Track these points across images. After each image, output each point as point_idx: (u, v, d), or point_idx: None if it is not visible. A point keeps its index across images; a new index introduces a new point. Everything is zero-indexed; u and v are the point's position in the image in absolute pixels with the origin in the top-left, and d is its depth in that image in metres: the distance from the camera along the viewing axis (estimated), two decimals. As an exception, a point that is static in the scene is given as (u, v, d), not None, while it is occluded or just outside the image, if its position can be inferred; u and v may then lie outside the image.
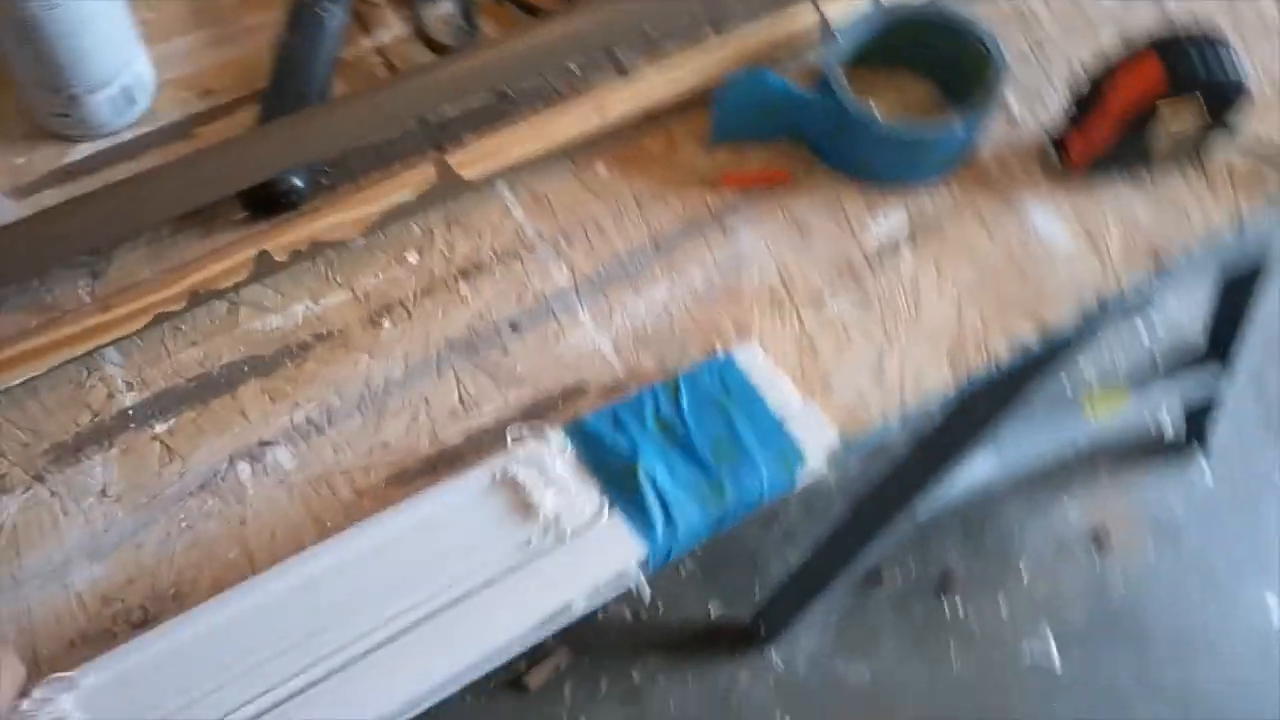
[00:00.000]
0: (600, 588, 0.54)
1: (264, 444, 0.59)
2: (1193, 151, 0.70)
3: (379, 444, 0.60)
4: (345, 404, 0.61)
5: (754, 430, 0.59)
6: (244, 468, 0.58)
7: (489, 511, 0.56)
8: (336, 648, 0.51)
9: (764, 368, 0.62)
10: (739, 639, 1.47)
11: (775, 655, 1.47)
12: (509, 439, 0.58)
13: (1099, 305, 0.66)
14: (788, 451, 0.58)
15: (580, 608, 0.55)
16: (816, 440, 0.59)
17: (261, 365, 0.62)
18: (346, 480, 0.59)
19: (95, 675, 0.50)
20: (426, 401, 0.61)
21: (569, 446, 0.58)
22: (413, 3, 0.76)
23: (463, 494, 0.56)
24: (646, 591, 0.56)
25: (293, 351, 0.63)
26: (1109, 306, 0.67)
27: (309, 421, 0.60)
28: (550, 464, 0.57)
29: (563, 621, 0.55)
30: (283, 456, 0.59)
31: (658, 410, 0.59)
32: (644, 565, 0.55)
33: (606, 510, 0.56)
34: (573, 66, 0.74)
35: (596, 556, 0.55)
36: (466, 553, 0.55)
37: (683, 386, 0.60)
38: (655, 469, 0.57)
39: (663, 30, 0.74)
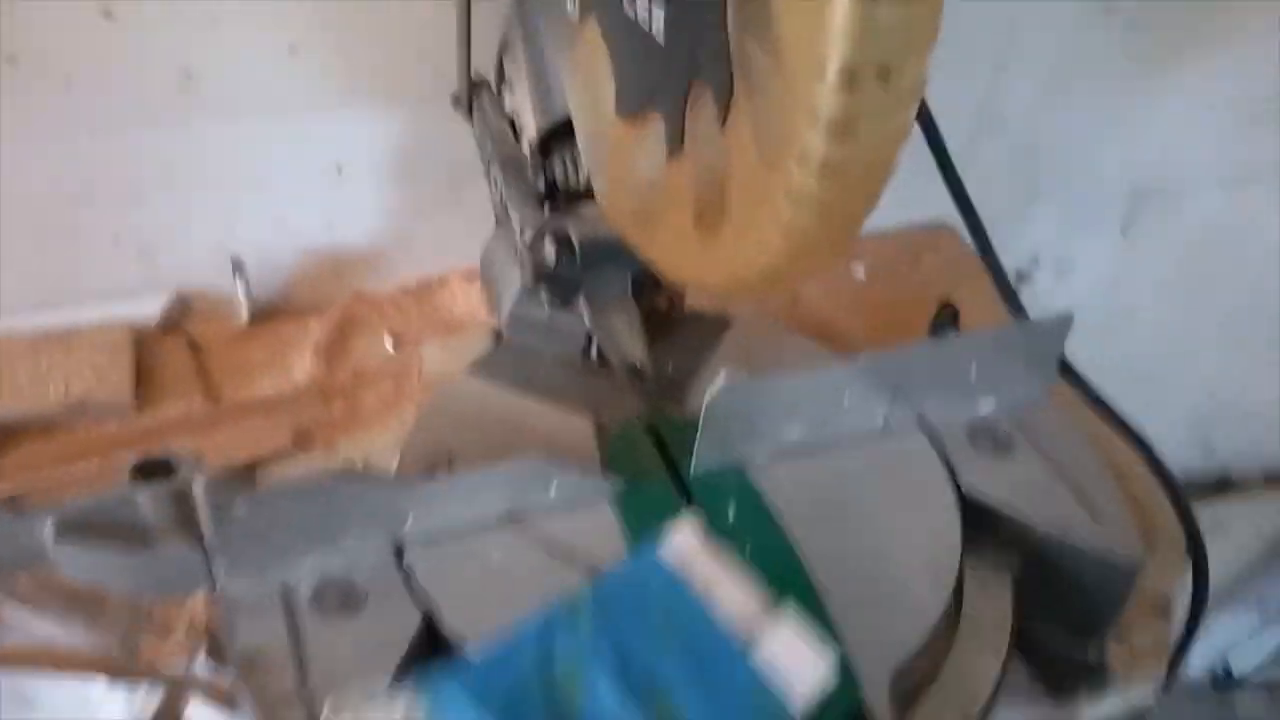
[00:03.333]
0: None
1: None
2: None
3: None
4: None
5: (711, 675, 0.40)
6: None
7: None
8: None
9: (706, 558, 0.45)
10: None
11: None
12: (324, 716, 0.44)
13: None
14: (766, 704, 0.40)
15: None
16: (803, 674, 0.42)
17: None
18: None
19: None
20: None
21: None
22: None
23: None
24: None
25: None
26: None
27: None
28: None
29: None
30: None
31: (558, 649, 0.40)
32: None
33: None
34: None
35: None
36: None
37: (596, 608, 0.42)
38: None
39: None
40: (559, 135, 0.75)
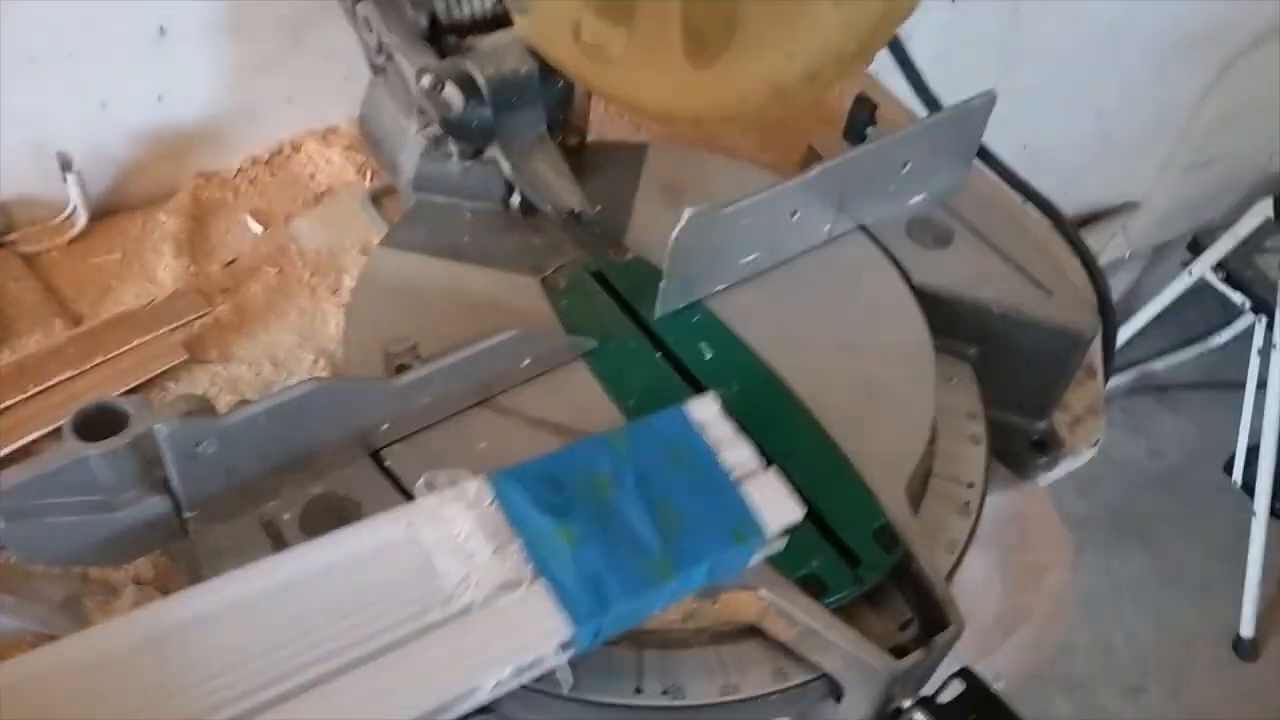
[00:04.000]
0: (512, 670, 0.46)
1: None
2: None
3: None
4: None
5: (706, 497, 0.51)
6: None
7: (392, 570, 0.47)
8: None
9: (721, 424, 0.54)
10: None
11: None
12: (419, 486, 0.50)
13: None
14: (742, 524, 0.50)
15: (486, 693, 0.45)
16: (778, 512, 0.51)
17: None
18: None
19: None
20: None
21: (491, 499, 0.48)
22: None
23: (366, 544, 0.47)
24: (569, 678, 0.49)
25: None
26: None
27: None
28: (463, 520, 0.47)
29: (467, 708, 0.45)
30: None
31: (598, 465, 0.50)
32: (567, 647, 0.47)
33: (528, 580, 0.47)
34: None
35: (511, 634, 0.46)
36: (359, 616, 0.45)
37: (627, 439, 0.52)
38: (588, 535, 0.48)
39: None
40: (437, -38, 0.66)
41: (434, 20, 0.68)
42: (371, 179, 0.85)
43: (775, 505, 0.52)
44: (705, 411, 0.54)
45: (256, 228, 0.81)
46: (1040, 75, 1.40)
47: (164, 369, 0.70)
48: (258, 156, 0.86)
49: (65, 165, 0.75)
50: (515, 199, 0.69)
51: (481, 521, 0.48)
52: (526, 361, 0.59)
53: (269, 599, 0.45)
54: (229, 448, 0.49)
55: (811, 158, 0.84)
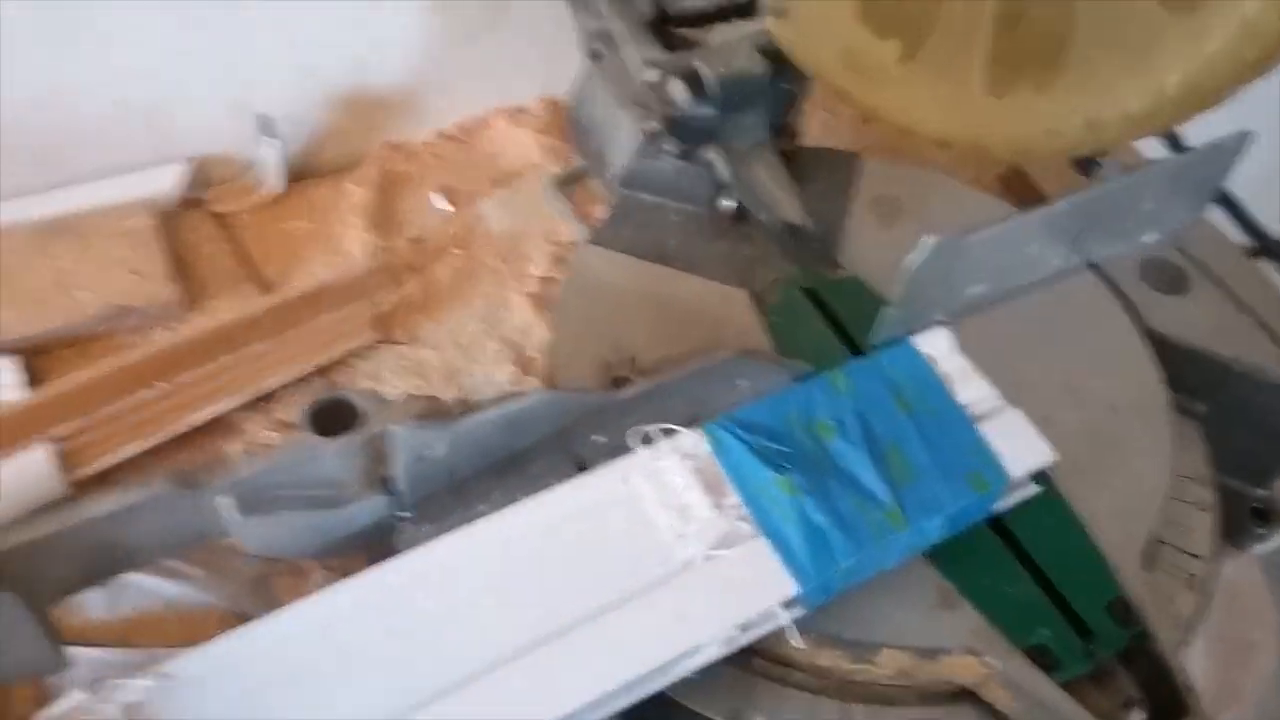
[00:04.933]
0: (736, 629, 0.43)
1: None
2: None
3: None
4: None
5: (940, 440, 0.47)
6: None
7: (609, 526, 0.45)
8: (430, 677, 0.42)
9: (954, 358, 0.50)
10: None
11: None
12: (632, 436, 0.48)
13: None
14: (984, 468, 0.47)
15: (712, 652, 0.44)
16: (1022, 453, 0.48)
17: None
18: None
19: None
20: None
21: (708, 451, 0.46)
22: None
23: (583, 500, 0.46)
24: (796, 638, 0.45)
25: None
26: None
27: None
28: (679, 472, 0.46)
29: (688, 669, 0.44)
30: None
31: (817, 409, 0.47)
32: (793, 605, 0.44)
33: (749, 535, 0.45)
34: None
35: (733, 590, 0.43)
36: (577, 573, 0.44)
37: (850, 380, 0.48)
38: (812, 486, 0.45)
39: None
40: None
41: (661, 10, 0.65)
42: (559, 163, 0.82)
43: (1020, 446, 0.48)
44: (936, 345, 0.50)
45: (444, 206, 0.80)
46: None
47: (351, 345, 0.69)
48: (446, 131, 0.85)
49: (265, 128, 0.74)
50: (724, 203, 0.66)
51: (699, 473, 0.46)
52: (743, 383, 0.56)
53: (484, 558, 0.44)
54: (456, 452, 0.47)
55: (1015, 179, 0.80)
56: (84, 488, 0.60)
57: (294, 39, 0.74)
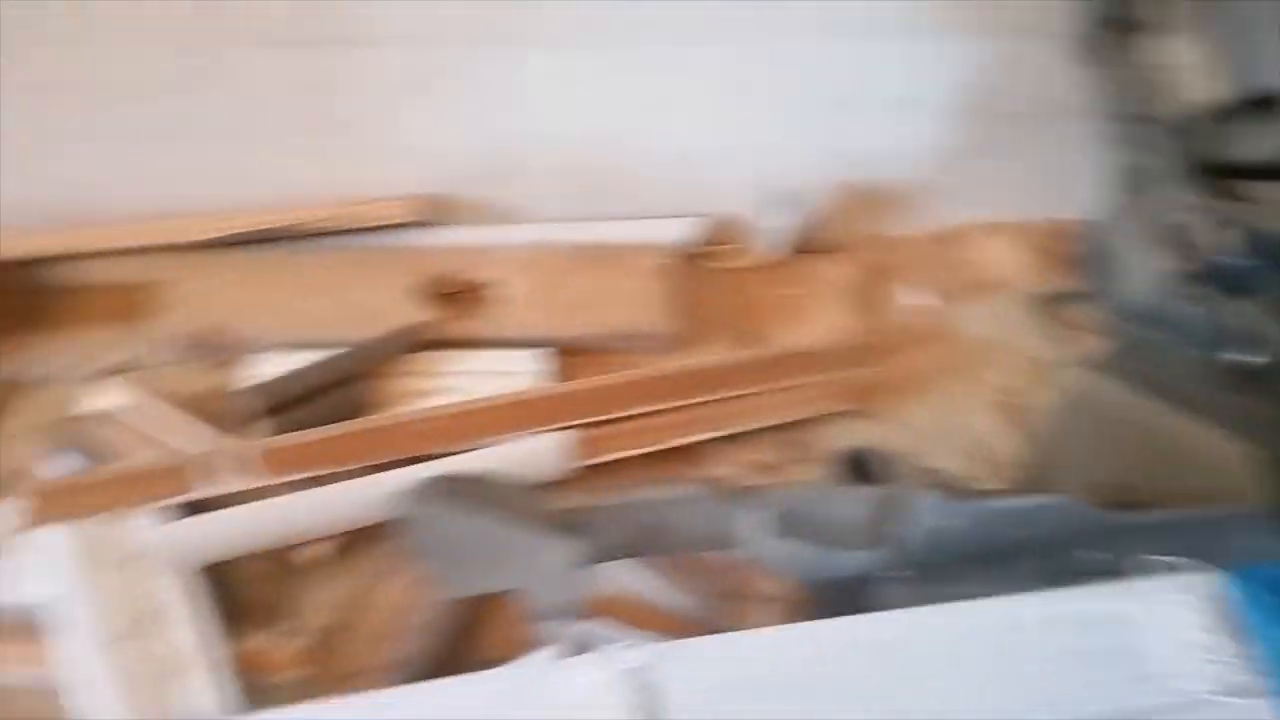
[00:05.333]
0: None
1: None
2: None
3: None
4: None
5: None
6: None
7: (1096, 642, 0.45)
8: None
9: None
10: None
11: None
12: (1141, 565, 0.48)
13: None
14: None
15: None
16: None
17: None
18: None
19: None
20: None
21: (1221, 595, 0.45)
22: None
23: (1077, 610, 0.46)
24: None
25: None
26: None
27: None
28: (1191, 609, 0.45)
29: None
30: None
31: None
32: None
33: (1263, 692, 0.43)
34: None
35: None
36: (1059, 681, 0.44)
37: None
38: None
39: None
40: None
41: (1210, 158, 0.65)
42: (1040, 282, 0.84)
43: None
44: None
45: (922, 300, 0.83)
46: None
47: (824, 413, 0.74)
48: (930, 230, 0.88)
49: (781, 201, 0.81)
50: (1249, 358, 0.64)
51: (1212, 615, 0.45)
52: (1239, 542, 0.55)
53: (976, 635, 0.45)
54: (970, 529, 0.49)
55: None
56: (583, 476, 0.68)
57: (829, 130, 0.81)
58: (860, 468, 0.49)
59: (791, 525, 0.48)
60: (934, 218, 0.88)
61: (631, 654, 0.49)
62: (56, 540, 0.63)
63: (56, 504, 0.64)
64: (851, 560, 0.50)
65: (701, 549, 0.50)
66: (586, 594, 0.50)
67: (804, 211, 0.83)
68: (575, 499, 0.47)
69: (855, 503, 0.48)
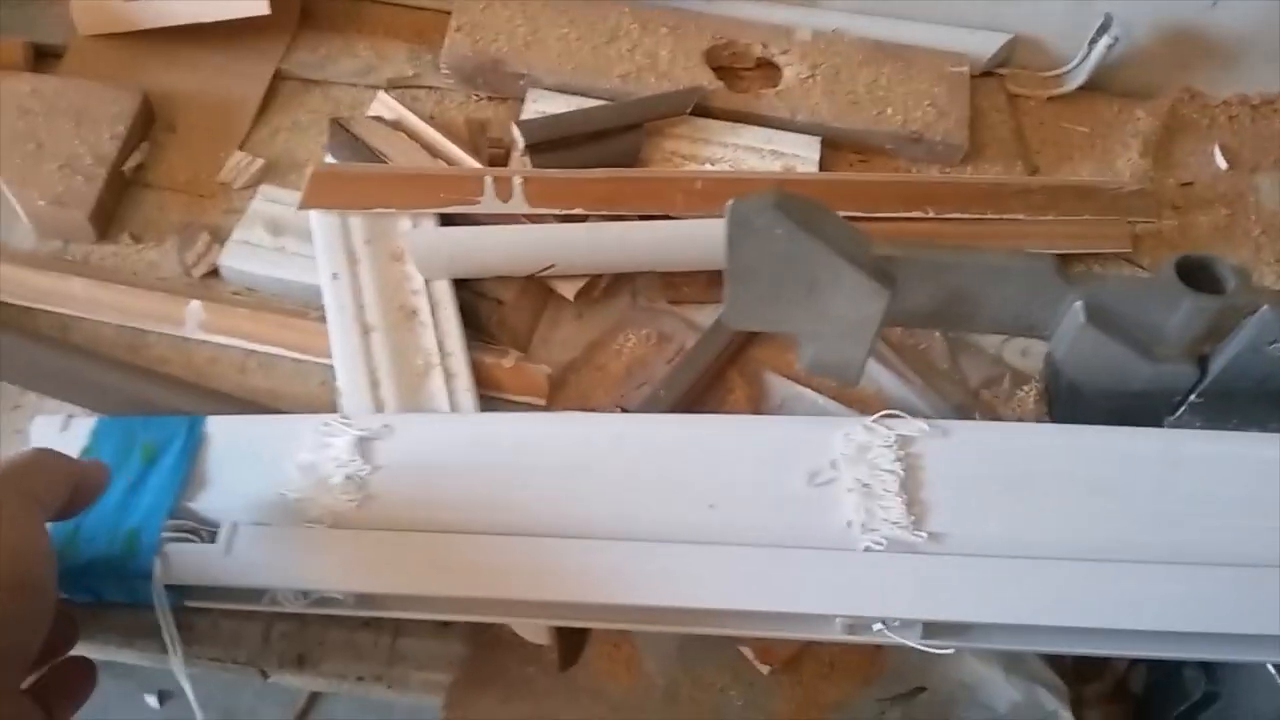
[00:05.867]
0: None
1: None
2: None
3: None
4: None
5: None
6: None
7: None
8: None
9: None
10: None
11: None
12: None
13: None
14: None
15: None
16: None
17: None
18: None
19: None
20: None
21: None
22: None
23: None
24: None
25: None
26: None
27: None
28: None
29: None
30: None
31: None
32: None
33: None
34: None
35: None
36: None
37: None
38: None
39: None
40: None
41: None
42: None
43: None
44: None
45: (1222, 163, 0.77)
46: None
47: (1100, 251, 0.70)
48: (1246, 97, 0.81)
49: (1104, 29, 0.75)
50: None
51: None
52: None
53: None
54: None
55: None
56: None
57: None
58: (1191, 277, 0.45)
59: (1107, 320, 0.46)
60: (1259, 82, 0.81)
61: (901, 423, 0.48)
62: (330, 224, 0.65)
63: (331, 191, 0.66)
64: (1152, 371, 0.47)
65: (1007, 329, 0.48)
66: (865, 360, 0.49)
67: (1117, 47, 0.77)
68: (892, 247, 0.45)
69: (1188, 310, 0.45)
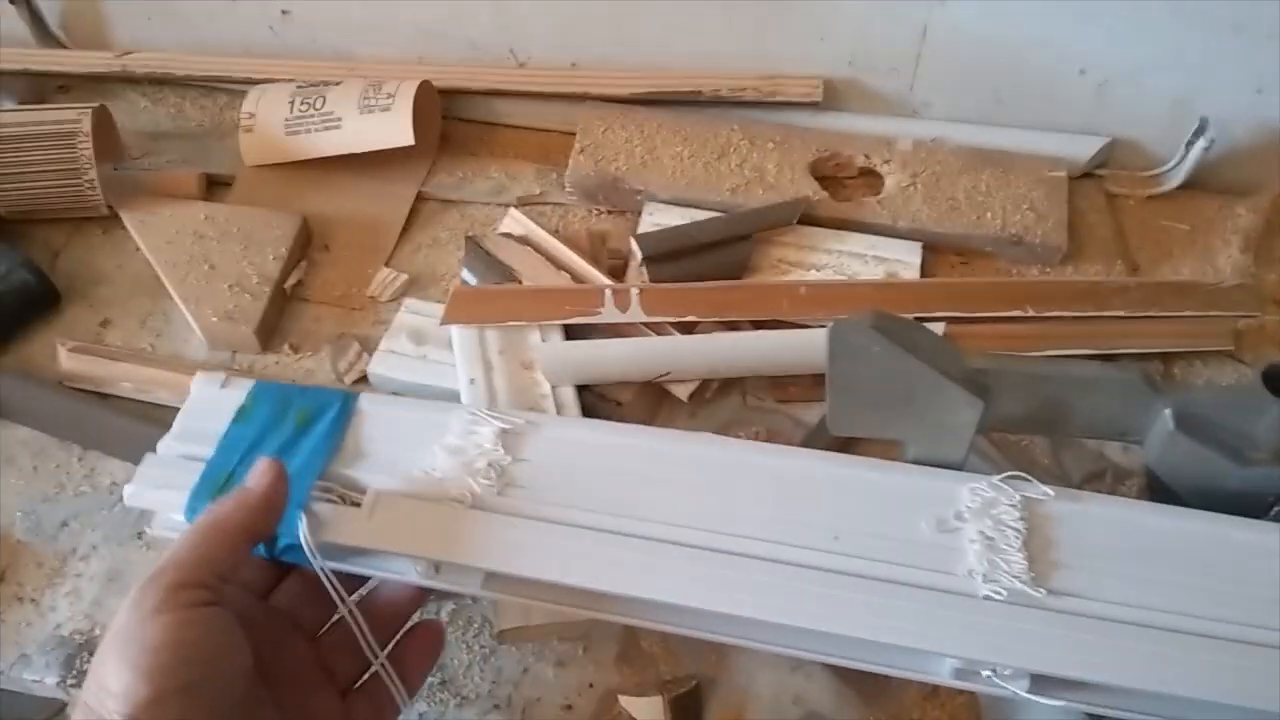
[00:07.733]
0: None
1: None
2: None
3: None
4: None
5: None
6: None
7: None
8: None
9: None
10: None
11: None
12: None
13: None
14: None
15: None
16: None
17: None
18: None
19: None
20: None
21: None
22: None
23: None
24: None
25: None
26: None
27: None
28: None
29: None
30: None
31: None
32: None
33: None
34: None
35: None
36: None
37: None
38: None
39: None
40: None
41: None
42: None
43: None
44: None
45: (1326, 259, 0.78)
46: None
47: (1202, 349, 0.72)
48: (1352, 192, 0.82)
49: (1199, 131, 0.78)
50: None
51: None
52: None
53: None
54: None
55: None
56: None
57: (1260, 60, 0.76)
58: (1277, 384, 0.48)
59: (1196, 426, 0.48)
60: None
61: (1027, 485, 0.51)
62: (468, 336, 0.71)
63: (469, 307, 0.72)
64: (1245, 476, 0.49)
65: (1100, 435, 0.50)
66: (965, 458, 0.52)
67: (1215, 148, 0.79)
68: (985, 360, 0.48)
69: (1270, 416, 0.47)
